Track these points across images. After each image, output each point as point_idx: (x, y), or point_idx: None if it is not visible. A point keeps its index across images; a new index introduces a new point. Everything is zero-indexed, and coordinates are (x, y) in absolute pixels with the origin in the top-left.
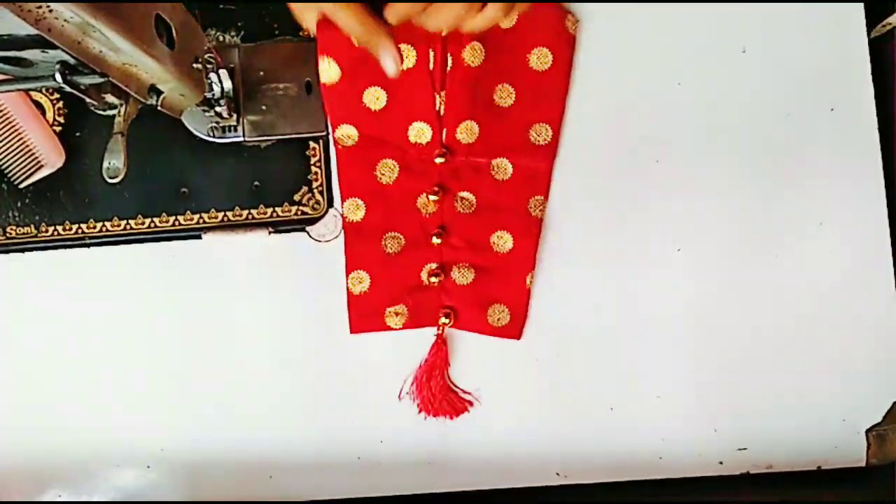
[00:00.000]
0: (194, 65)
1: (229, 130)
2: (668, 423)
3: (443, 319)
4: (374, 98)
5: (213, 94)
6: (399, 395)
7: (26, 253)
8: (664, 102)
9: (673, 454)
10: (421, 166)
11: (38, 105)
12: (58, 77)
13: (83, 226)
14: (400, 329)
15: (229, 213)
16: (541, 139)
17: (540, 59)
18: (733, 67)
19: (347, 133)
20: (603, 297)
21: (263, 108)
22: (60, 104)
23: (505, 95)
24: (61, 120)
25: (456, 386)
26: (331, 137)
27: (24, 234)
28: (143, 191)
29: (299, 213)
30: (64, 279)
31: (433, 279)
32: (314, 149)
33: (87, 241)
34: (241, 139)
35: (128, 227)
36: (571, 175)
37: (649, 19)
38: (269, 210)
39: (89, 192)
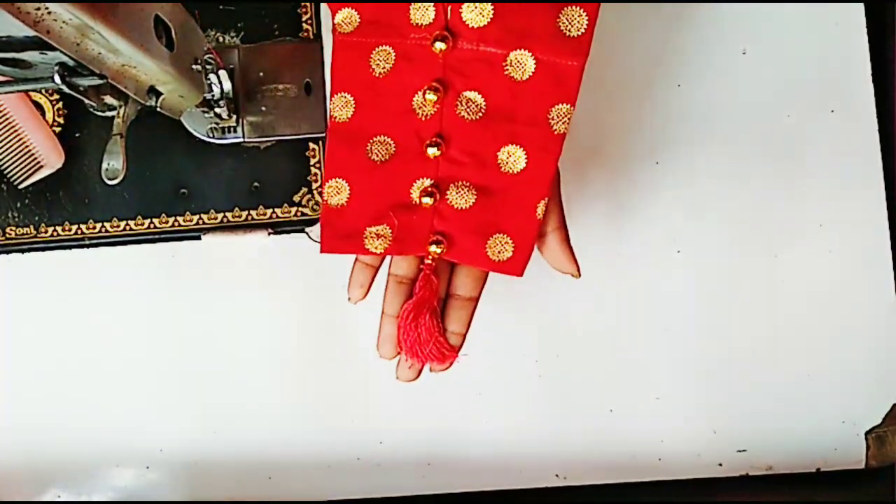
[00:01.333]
0: (194, 66)
1: (229, 131)
2: (668, 424)
3: (433, 248)
4: None
5: (213, 95)
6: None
7: (26, 253)
8: (664, 103)
9: (672, 455)
10: (420, 55)
11: (38, 106)
12: (57, 79)
13: (83, 226)
14: (380, 254)
15: (229, 214)
16: (573, 29)
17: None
18: (733, 69)
19: (348, 16)
20: (602, 299)
21: (263, 108)
22: (60, 105)
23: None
24: (61, 121)
25: (445, 329)
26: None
27: (23, 234)
28: (143, 191)
29: (299, 214)
30: (64, 280)
31: (426, 199)
32: (314, 150)
33: (87, 242)
34: (241, 140)
35: (127, 227)
36: (571, 176)
37: (649, 20)
38: (269, 211)
39: (89, 192)
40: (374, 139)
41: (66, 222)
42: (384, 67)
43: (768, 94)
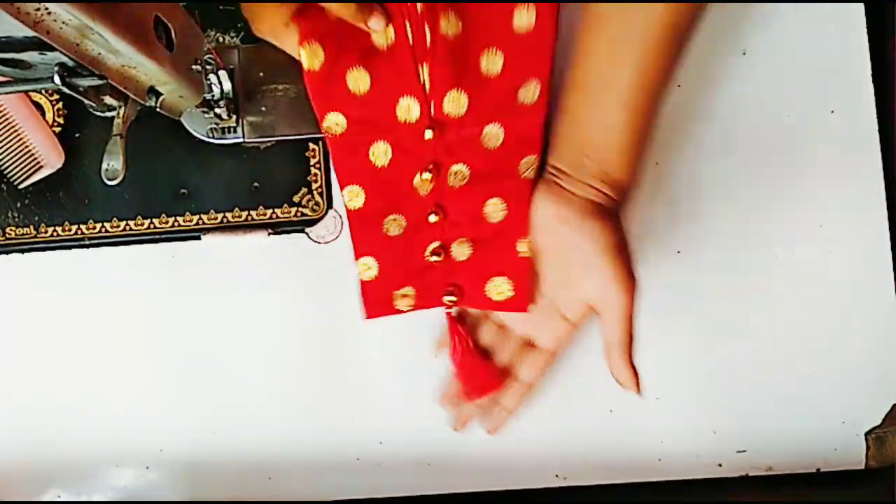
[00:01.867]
0: (194, 66)
1: (229, 132)
2: (668, 424)
3: (448, 298)
4: (358, 80)
5: (213, 96)
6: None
7: (26, 253)
8: (664, 103)
9: (672, 456)
10: (413, 145)
11: (38, 106)
12: (56, 79)
13: (83, 226)
14: (409, 311)
15: (229, 215)
16: (529, 98)
17: (523, 18)
18: (733, 69)
19: (335, 121)
20: None
21: (263, 109)
22: (60, 105)
23: (492, 61)
24: (61, 121)
25: (488, 357)
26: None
27: (23, 234)
28: (143, 192)
29: (299, 214)
30: (64, 280)
31: (434, 258)
32: (314, 150)
33: (87, 242)
34: (241, 140)
35: (127, 227)
36: None
37: None
38: (269, 211)
39: (89, 192)
40: (388, 219)
41: (66, 222)
42: (384, 160)
43: (768, 94)
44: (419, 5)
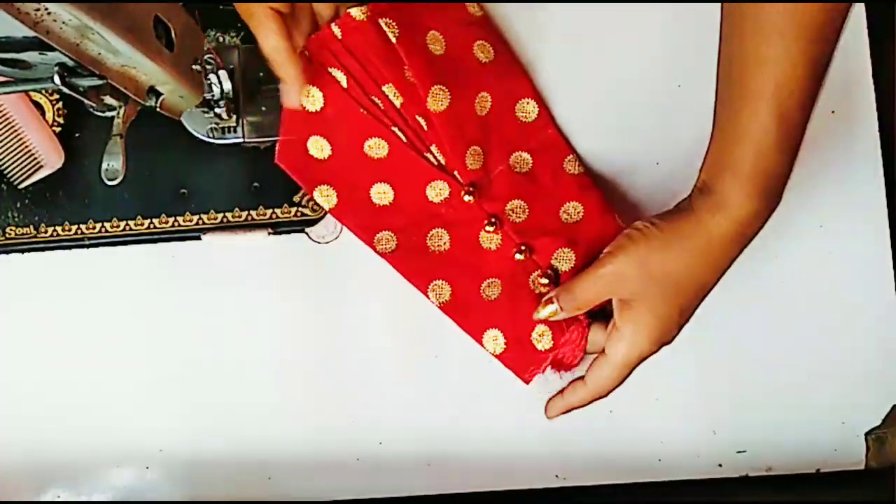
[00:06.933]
0: (194, 66)
1: (229, 131)
2: (667, 425)
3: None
4: (382, 195)
5: (213, 96)
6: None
7: (26, 253)
8: (665, 104)
9: (672, 456)
10: (462, 217)
11: (38, 106)
12: (56, 79)
13: (83, 226)
14: (553, 347)
15: (229, 214)
16: (530, 115)
17: (484, 51)
18: None
19: (384, 238)
20: None
21: (263, 109)
22: (60, 105)
23: (481, 103)
24: (61, 121)
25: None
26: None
27: (23, 234)
28: (143, 192)
29: (299, 214)
30: (63, 280)
31: (543, 282)
32: None
33: (87, 242)
34: (241, 140)
35: (127, 227)
36: None
37: (650, 21)
38: (269, 211)
39: (89, 192)
40: (483, 286)
41: (66, 222)
42: (445, 246)
43: None
44: (399, 106)
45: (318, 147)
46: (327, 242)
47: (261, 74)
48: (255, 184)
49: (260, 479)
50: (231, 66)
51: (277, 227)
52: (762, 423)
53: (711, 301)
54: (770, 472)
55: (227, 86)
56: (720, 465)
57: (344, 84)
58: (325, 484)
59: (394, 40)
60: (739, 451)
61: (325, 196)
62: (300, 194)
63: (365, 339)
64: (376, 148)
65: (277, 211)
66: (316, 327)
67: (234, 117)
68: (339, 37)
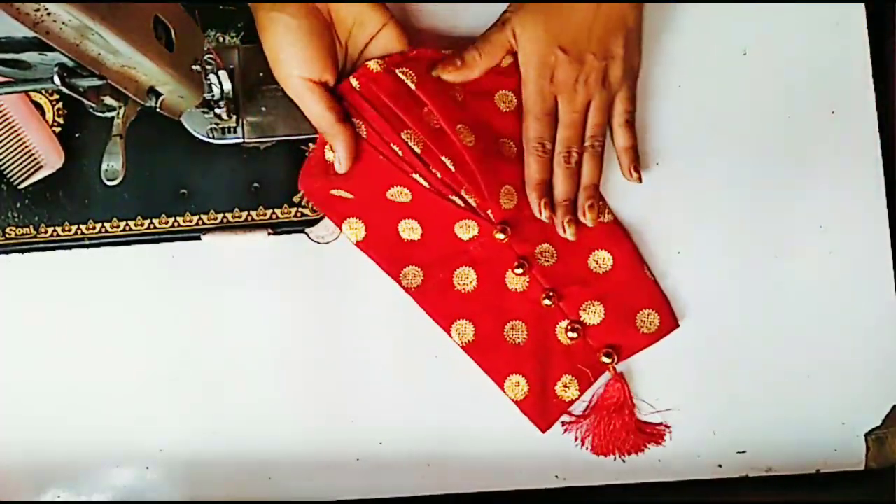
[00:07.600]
0: (193, 66)
1: (229, 132)
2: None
3: (605, 359)
4: (409, 230)
5: (213, 96)
6: (565, 429)
7: (26, 253)
8: (664, 105)
9: (672, 457)
10: (490, 255)
11: (38, 106)
12: (56, 79)
13: (82, 227)
14: (578, 396)
15: (228, 215)
16: None
17: (505, 101)
18: (734, 70)
19: (410, 273)
20: None
21: (263, 109)
22: (60, 105)
23: (509, 148)
24: (61, 121)
25: (643, 421)
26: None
27: (23, 234)
28: (143, 192)
29: (299, 214)
30: (63, 280)
31: (571, 335)
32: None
33: (87, 242)
34: (241, 140)
35: (127, 228)
36: None
37: (649, 21)
38: (269, 211)
39: (89, 192)
40: (506, 329)
41: (66, 222)
42: (471, 285)
43: (768, 95)
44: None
45: (342, 194)
46: (327, 242)
47: (261, 74)
48: (255, 184)
49: (260, 479)
50: (231, 67)
51: (277, 228)
52: (762, 423)
53: (711, 301)
54: (770, 473)
55: (227, 86)
56: (720, 466)
57: (363, 134)
58: (325, 484)
59: (412, 87)
60: (739, 452)
61: (354, 229)
62: (300, 194)
63: (365, 339)
64: (399, 195)
65: (277, 211)
66: (316, 327)
67: (234, 117)
68: (357, 88)
